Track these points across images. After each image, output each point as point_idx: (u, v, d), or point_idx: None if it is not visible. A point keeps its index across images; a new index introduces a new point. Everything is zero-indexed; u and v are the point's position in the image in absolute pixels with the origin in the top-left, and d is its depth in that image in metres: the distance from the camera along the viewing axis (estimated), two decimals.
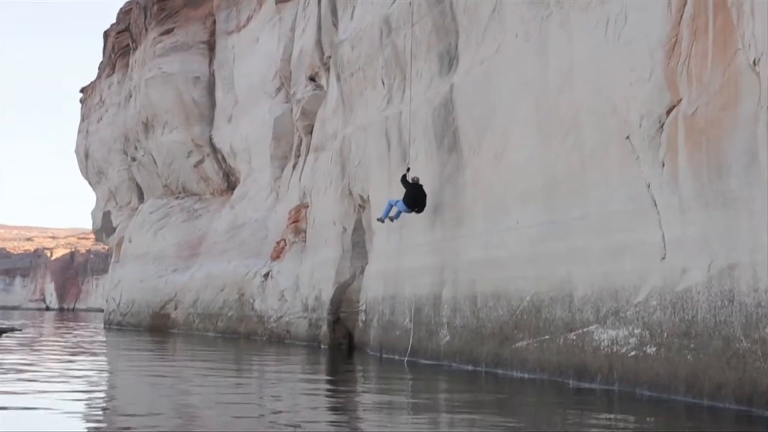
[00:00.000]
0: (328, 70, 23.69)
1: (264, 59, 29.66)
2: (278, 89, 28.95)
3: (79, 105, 47.63)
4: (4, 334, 18.68)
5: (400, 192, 16.15)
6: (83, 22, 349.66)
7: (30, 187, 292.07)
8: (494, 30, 14.23)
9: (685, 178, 10.07)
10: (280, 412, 9.67)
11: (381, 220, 16.80)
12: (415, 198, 15.66)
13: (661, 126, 10.46)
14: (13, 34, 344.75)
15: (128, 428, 8.04)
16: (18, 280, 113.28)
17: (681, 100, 10.16)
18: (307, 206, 24.07)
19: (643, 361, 10.49)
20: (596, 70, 11.66)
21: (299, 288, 23.39)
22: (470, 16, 15.00)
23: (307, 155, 25.64)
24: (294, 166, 27.19)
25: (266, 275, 26.02)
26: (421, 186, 15.76)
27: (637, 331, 10.68)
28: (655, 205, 10.54)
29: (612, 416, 9.42)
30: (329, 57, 23.06)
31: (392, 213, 16.24)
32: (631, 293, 10.86)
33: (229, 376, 14.02)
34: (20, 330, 22.25)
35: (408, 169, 16.02)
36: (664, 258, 10.37)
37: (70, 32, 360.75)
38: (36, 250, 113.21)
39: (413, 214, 15.92)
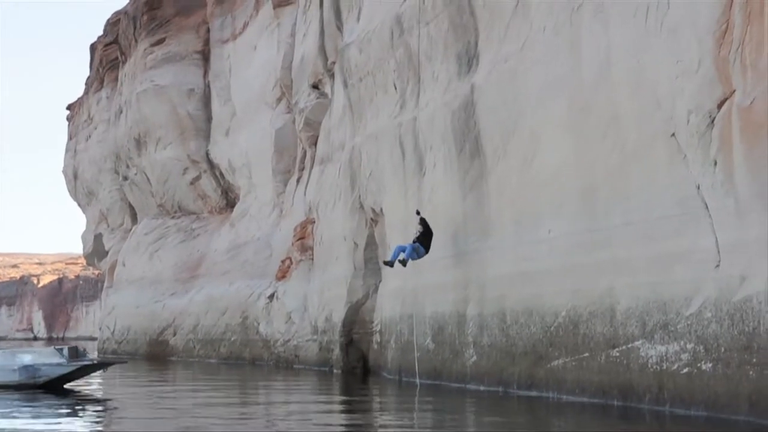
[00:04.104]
0: (332, 76, 23.31)
1: (263, 68, 29.25)
2: (279, 99, 28.50)
3: (66, 123, 47.12)
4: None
5: (414, 211, 15.80)
6: (68, 35, 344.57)
7: (14, 211, 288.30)
8: (518, 24, 13.72)
9: (741, 177, 9.54)
10: None
11: (389, 263, 15.92)
12: (429, 239, 15.38)
13: (712, 121, 9.93)
14: None
15: None
16: (3, 310, 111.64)
17: (734, 91, 9.67)
18: (314, 222, 23.62)
19: (698, 378, 9.93)
20: (636, 62, 11.12)
21: (307, 309, 22.93)
22: (491, 10, 14.50)
23: (312, 168, 25.21)
24: (298, 180, 26.74)
25: (271, 296, 25.49)
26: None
27: (689, 346, 10.11)
28: (707, 207, 10.00)
29: None
30: (334, 62, 22.72)
31: (400, 257, 15.63)
32: (681, 305, 10.28)
33: (234, 406, 13.36)
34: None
35: (417, 212, 15.68)
36: (718, 265, 9.83)
37: (53, 46, 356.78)
38: (22, 278, 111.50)
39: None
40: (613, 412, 10.73)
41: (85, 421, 11.80)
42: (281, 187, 28.13)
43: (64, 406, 13.55)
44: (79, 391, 16.30)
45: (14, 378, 16.03)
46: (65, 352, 16.54)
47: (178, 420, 11.51)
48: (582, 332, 11.94)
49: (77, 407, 13.51)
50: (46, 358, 16.36)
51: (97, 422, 11.72)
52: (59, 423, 11.44)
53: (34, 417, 11.80)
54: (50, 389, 15.93)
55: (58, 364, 16.23)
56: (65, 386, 16.58)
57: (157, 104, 34.27)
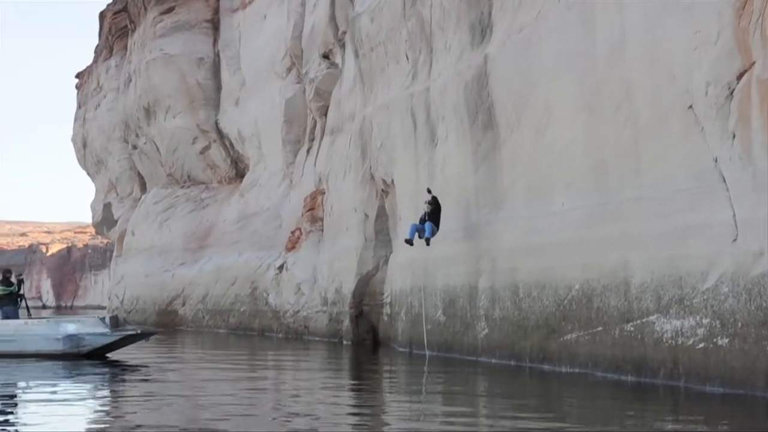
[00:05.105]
0: (343, 46, 22.98)
1: (273, 37, 28.82)
2: (289, 69, 28.10)
3: (75, 91, 46.66)
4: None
5: (425, 183, 15.85)
6: (77, 3, 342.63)
7: (24, 179, 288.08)
8: None
9: (760, 150, 9.31)
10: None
11: (409, 242, 15.79)
12: (439, 216, 15.38)
13: (731, 93, 9.69)
14: None
15: None
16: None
17: (754, 63, 9.44)
18: (324, 193, 23.34)
19: (714, 353, 9.77)
20: (651, 35, 10.85)
21: (317, 280, 22.67)
22: None
23: (322, 138, 24.91)
24: (308, 151, 26.46)
25: (281, 267, 25.23)
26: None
27: (705, 321, 9.94)
28: (724, 181, 9.79)
29: (681, 417, 8.73)
30: (344, 32, 22.35)
31: (422, 236, 15.65)
32: (697, 279, 10.09)
33: (243, 380, 13.25)
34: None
35: (429, 190, 15.67)
36: (735, 240, 9.62)
37: (62, 14, 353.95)
38: (31, 246, 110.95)
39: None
40: (627, 386, 10.58)
41: (145, 384, 12.21)
42: (291, 157, 27.81)
43: (111, 373, 13.91)
44: (122, 360, 16.36)
45: (58, 347, 16.05)
46: (107, 321, 16.56)
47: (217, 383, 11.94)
48: (596, 306, 11.77)
49: (128, 374, 13.84)
50: (90, 328, 16.34)
51: (153, 386, 12.02)
52: (120, 388, 12.01)
53: (90, 383, 12.29)
54: (93, 358, 15.96)
55: (102, 334, 16.22)
56: (107, 355, 16.62)
57: (166, 73, 33.83)
